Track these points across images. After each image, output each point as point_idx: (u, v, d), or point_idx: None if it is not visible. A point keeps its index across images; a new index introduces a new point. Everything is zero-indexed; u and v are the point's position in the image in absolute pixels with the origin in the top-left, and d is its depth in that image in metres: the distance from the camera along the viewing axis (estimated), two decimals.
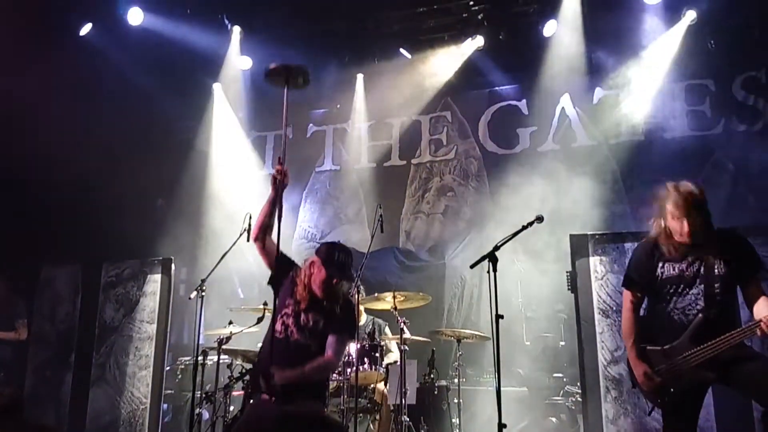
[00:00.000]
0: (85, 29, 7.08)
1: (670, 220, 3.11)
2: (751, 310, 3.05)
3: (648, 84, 6.74)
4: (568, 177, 6.75)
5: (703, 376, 3.05)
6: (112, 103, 7.10)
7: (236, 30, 7.43)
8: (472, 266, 3.58)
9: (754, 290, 3.06)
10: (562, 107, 7.17)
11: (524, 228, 3.74)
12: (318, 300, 3.35)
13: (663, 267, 3.17)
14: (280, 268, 3.40)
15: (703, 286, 3.06)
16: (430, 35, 7.23)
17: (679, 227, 3.07)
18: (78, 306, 5.56)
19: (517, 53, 7.12)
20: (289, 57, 7.72)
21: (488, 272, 3.51)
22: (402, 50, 7.34)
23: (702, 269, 3.08)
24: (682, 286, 3.11)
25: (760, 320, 2.87)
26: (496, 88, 7.48)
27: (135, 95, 7.27)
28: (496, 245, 3.53)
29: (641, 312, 3.32)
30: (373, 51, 7.46)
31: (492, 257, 3.50)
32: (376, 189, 7.87)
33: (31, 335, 5.62)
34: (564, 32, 6.68)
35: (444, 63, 7.33)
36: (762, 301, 3.02)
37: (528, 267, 6.31)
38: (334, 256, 3.37)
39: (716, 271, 3.06)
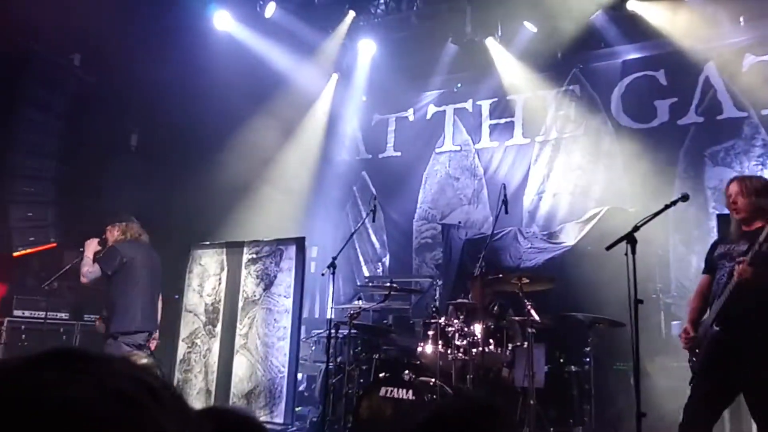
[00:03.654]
0: (221, 19, 7.55)
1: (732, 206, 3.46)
2: None
3: None
4: (713, 151, 6.21)
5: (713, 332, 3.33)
6: (247, 90, 7.56)
7: (350, 14, 7.57)
8: (608, 248, 3.45)
9: None
10: (706, 76, 6.57)
11: (667, 207, 3.57)
12: None
13: (718, 248, 3.56)
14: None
15: (745, 256, 3.28)
16: (555, 5, 6.91)
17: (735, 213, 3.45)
18: (223, 281, 6.07)
19: (653, 19, 6.61)
20: (408, 38, 7.79)
21: (626, 254, 3.37)
22: (526, 23, 7.10)
23: (748, 247, 3.33)
24: (725, 261, 3.43)
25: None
26: (631, 57, 7.01)
27: (266, 87, 7.70)
28: (636, 225, 3.37)
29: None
30: (495, 26, 7.27)
31: (630, 239, 3.35)
32: (497, 168, 7.74)
33: (183, 308, 6.24)
34: None
35: (572, 34, 6.98)
36: None
37: (669, 249, 5.92)
38: None
39: (759, 246, 3.27)
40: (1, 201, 6.28)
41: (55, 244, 6.27)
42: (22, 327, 5.99)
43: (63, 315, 6.16)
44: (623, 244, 3.34)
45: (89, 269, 4.52)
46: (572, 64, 7.20)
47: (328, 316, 5.13)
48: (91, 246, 4.63)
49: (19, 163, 6.36)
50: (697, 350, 3.48)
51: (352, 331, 5.03)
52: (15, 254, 6.32)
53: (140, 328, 4.54)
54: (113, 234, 4.71)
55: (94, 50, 6.68)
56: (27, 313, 6.08)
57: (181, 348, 6.21)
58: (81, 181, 6.81)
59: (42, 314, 5.70)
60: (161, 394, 0.52)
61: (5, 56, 6.29)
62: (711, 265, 3.59)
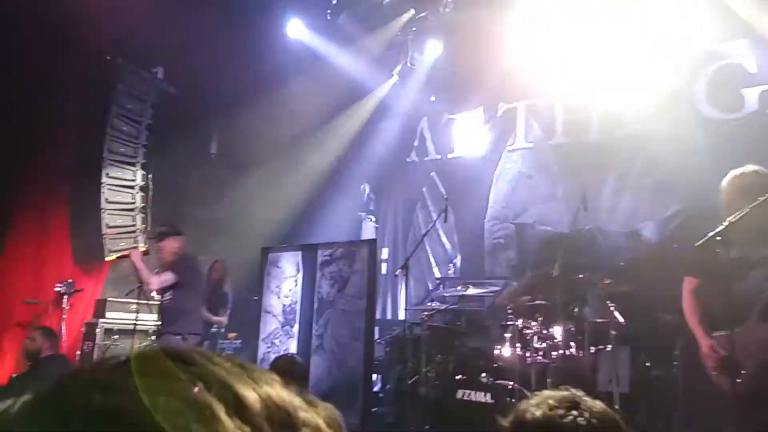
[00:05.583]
0: (293, 27, 7.74)
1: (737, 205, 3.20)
2: None
3: None
4: None
5: None
6: (319, 95, 7.72)
7: (410, 12, 7.54)
8: (698, 245, 3.28)
9: None
10: None
11: (761, 202, 3.33)
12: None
13: (726, 252, 3.22)
14: None
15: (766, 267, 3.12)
16: None
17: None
18: (299, 282, 6.21)
19: (739, 4, 6.20)
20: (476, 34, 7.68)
21: (717, 251, 3.19)
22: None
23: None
24: (745, 269, 3.21)
25: None
26: (715, 45, 6.60)
27: (337, 91, 7.84)
28: (729, 222, 3.17)
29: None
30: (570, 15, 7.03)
31: (723, 235, 3.16)
32: (572, 165, 7.50)
33: (262, 309, 6.45)
34: None
35: (647, 21, 6.66)
36: None
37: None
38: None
39: None
40: (95, 209, 6.70)
41: (145, 249, 6.64)
42: (115, 329, 6.35)
43: (152, 318, 6.49)
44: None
45: (164, 277, 4.76)
46: (651, 53, 6.86)
47: (401, 318, 5.14)
48: (138, 256, 4.86)
49: (110, 172, 6.80)
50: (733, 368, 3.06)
51: (426, 332, 5.01)
52: (107, 259, 6.73)
53: (200, 330, 4.90)
54: (173, 246, 4.88)
55: (175, 63, 7.02)
56: (118, 316, 6.44)
57: (261, 348, 6.40)
58: (165, 189, 7.17)
59: (133, 317, 6.03)
60: None
61: (98, 73, 6.72)
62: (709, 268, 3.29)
